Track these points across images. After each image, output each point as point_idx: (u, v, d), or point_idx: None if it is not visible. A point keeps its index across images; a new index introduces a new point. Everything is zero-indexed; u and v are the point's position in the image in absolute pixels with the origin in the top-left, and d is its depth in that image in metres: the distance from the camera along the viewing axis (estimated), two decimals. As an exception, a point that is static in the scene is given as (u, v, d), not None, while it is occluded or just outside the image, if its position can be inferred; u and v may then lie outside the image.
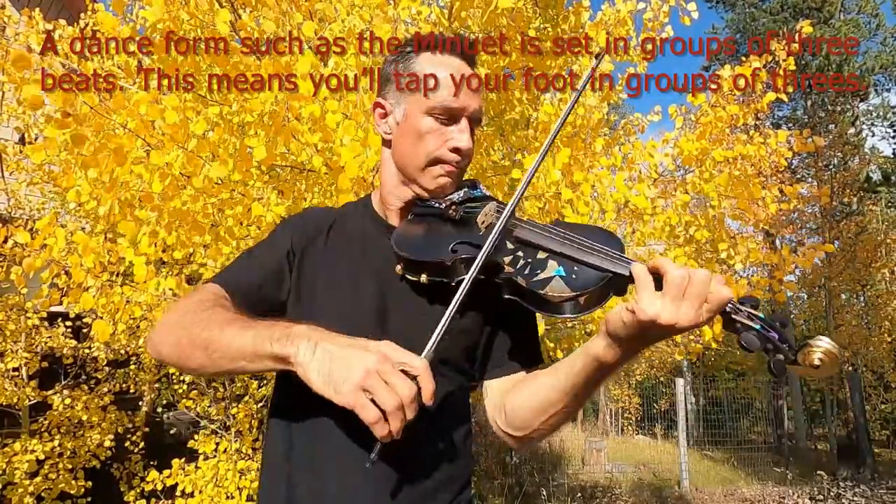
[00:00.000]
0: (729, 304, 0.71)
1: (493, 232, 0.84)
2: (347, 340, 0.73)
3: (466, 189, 1.00)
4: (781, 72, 2.79)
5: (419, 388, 0.69)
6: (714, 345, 2.50)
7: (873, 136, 18.43)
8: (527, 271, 0.83)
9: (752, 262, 2.76)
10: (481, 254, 0.82)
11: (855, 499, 7.77)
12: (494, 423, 0.98)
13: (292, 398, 0.91)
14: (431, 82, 0.93)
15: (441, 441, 0.93)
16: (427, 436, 0.90)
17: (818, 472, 9.05)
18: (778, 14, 16.39)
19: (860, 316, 12.45)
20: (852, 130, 14.62)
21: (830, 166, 13.65)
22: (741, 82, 2.72)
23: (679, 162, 2.87)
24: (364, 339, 0.74)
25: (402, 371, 0.69)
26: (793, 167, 13.53)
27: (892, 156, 16.32)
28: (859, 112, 15.61)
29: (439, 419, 0.92)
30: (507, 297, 0.85)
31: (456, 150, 0.94)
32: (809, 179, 14.10)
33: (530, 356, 1.00)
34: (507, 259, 0.86)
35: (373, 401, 0.68)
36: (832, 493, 8.02)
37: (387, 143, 1.01)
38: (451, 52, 0.96)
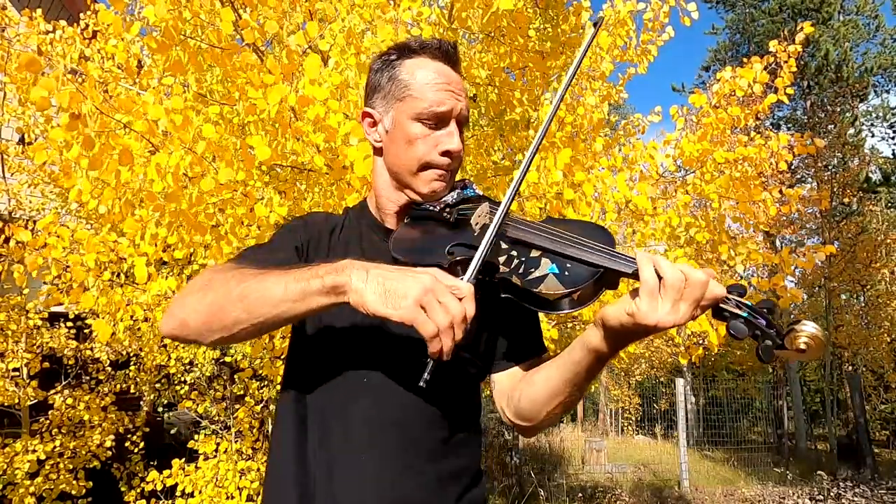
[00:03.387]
0: None
1: (488, 234, 0.85)
2: (396, 266, 0.78)
3: (459, 190, 1.01)
4: (783, 73, 2.79)
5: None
6: (716, 349, 2.49)
7: (873, 136, 18.46)
8: (521, 270, 0.85)
9: (752, 262, 2.76)
10: (476, 257, 0.82)
11: (855, 499, 7.77)
12: (503, 413, 1.00)
13: (305, 378, 0.94)
14: (418, 88, 0.95)
15: (451, 430, 0.94)
16: (436, 425, 0.92)
17: (818, 472, 9.05)
18: (777, 15, 16.41)
19: (860, 316, 12.47)
20: (852, 131, 14.63)
21: (830, 167, 13.66)
22: (743, 83, 2.72)
23: (680, 163, 2.86)
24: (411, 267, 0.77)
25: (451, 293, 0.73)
26: (793, 167, 13.53)
27: (891, 156, 16.34)
28: (859, 113, 15.62)
29: (448, 409, 0.94)
30: (503, 295, 0.87)
31: (446, 154, 0.96)
32: (809, 180, 14.12)
33: (533, 347, 1.03)
34: (501, 259, 0.87)
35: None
36: (832, 493, 8.03)
37: (378, 151, 1.03)
38: (433, 57, 0.97)
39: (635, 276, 0.76)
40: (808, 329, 0.69)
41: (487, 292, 0.94)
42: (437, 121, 0.95)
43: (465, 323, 0.72)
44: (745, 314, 0.72)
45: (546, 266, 0.83)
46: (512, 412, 0.97)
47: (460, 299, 0.73)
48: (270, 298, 0.78)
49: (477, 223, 0.94)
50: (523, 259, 0.86)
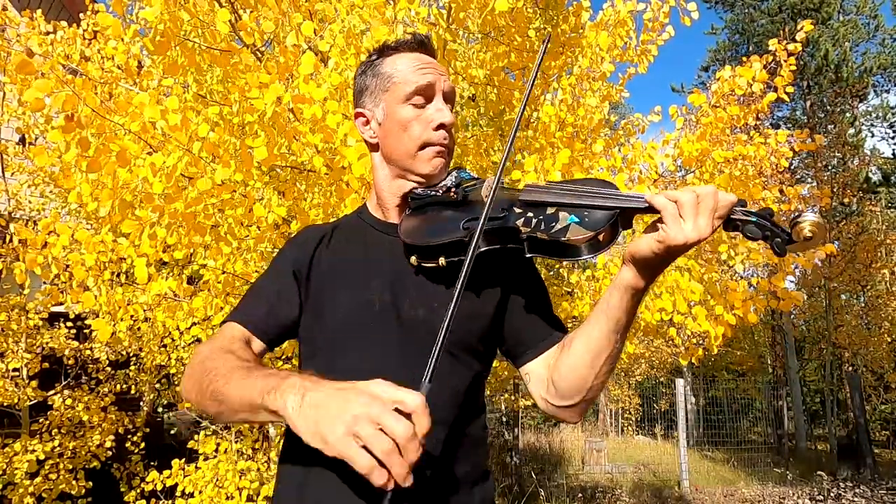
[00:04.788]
0: None
1: (490, 194, 0.89)
2: (337, 385, 0.68)
3: (456, 173, 1.04)
4: (782, 72, 2.79)
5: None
6: (715, 350, 2.49)
7: (873, 136, 18.51)
8: (543, 226, 0.88)
9: (752, 262, 2.76)
10: (484, 214, 0.85)
11: (855, 499, 7.77)
12: (545, 402, 0.98)
13: None
14: (400, 75, 1.00)
15: (458, 431, 0.94)
16: (445, 428, 0.91)
17: (818, 472, 9.05)
18: (776, 15, 16.41)
19: (860, 316, 12.46)
20: (852, 131, 14.64)
21: (830, 167, 13.67)
22: (742, 82, 2.71)
23: (680, 163, 2.86)
24: (357, 381, 0.69)
25: (396, 410, 0.64)
26: (792, 168, 13.54)
27: (891, 156, 16.34)
28: (858, 113, 15.63)
29: (455, 407, 0.93)
30: (528, 255, 0.90)
31: (440, 126, 0.99)
32: (809, 180, 14.11)
33: (554, 326, 1.02)
34: (520, 222, 0.90)
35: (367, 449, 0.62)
36: (832, 494, 8.03)
37: (374, 147, 1.06)
38: (410, 50, 1.04)
39: (648, 210, 0.82)
40: (809, 217, 0.77)
41: (499, 272, 0.98)
42: (425, 97, 0.99)
43: (418, 441, 0.63)
44: (753, 219, 0.80)
45: (565, 218, 0.87)
46: (554, 394, 0.95)
47: (409, 414, 0.63)
48: (232, 405, 0.80)
49: (486, 196, 0.95)
50: (541, 217, 0.90)
